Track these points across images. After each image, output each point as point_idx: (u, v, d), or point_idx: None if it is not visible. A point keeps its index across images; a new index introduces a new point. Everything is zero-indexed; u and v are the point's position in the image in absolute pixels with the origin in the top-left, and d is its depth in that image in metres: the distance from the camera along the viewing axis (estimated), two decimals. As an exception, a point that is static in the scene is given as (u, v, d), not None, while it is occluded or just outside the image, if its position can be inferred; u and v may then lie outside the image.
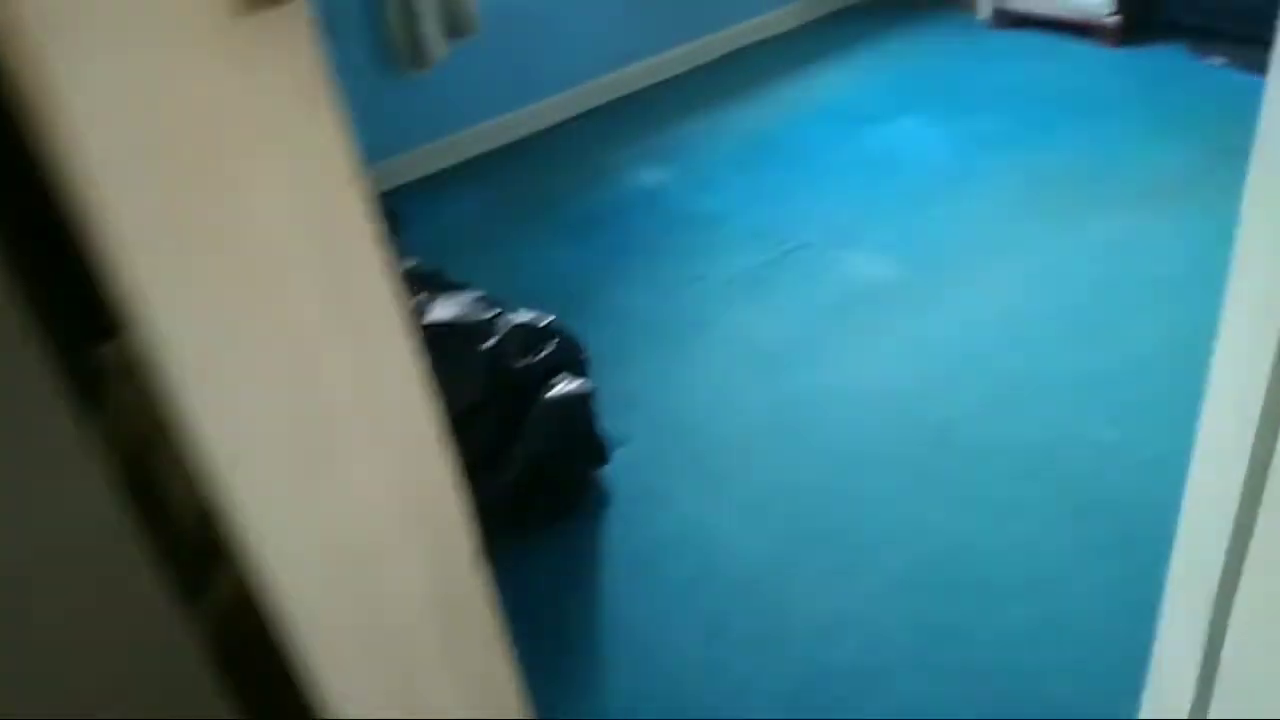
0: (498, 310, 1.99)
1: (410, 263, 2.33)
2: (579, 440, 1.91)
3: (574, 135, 3.61)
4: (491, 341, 1.87)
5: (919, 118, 3.28)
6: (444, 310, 1.94)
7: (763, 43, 4.15)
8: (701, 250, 2.76)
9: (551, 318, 2.00)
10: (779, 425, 2.09)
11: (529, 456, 1.86)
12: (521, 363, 1.88)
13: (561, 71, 3.69)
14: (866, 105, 3.45)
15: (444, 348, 1.86)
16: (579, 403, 1.86)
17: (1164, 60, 3.39)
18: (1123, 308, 2.26)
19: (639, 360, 2.35)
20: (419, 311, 1.89)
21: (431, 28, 3.13)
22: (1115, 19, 3.48)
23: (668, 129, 3.53)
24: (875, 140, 3.20)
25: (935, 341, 2.26)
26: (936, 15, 4.12)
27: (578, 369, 1.95)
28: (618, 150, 3.42)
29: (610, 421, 2.05)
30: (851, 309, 2.41)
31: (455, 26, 3.22)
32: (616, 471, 2.00)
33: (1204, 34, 3.34)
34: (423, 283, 2.17)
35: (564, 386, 1.85)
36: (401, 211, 3.19)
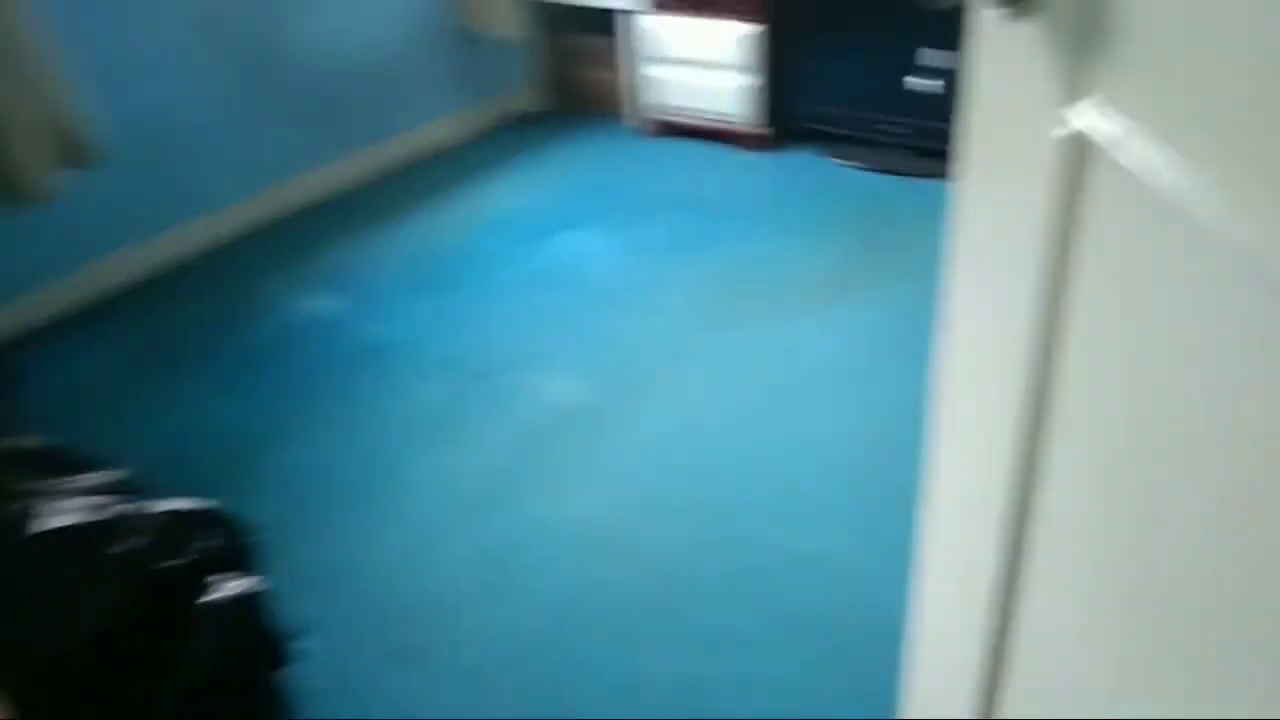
0: (137, 498, 1.66)
1: (24, 440, 1.92)
2: (251, 645, 1.62)
3: (225, 263, 3.28)
4: (130, 544, 1.54)
5: (592, 229, 3.31)
6: (63, 510, 1.58)
7: (424, 157, 4.04)
8: (382, 387, 2.55)
9: (205, 503, 1.70)
10: (488, 582, 1.92)
11: (193, 674, 1.54)
12: (170, 564, 1.56)
13: (207, 193, 3.35)
14: (538, 218, 3.44)
15: (63, 561, 1.52)
16: (246, 604, 1.57)
17: (805, 164, 3.69)
18: (805, 408, 2.34)
19: (324, 526, 2.09)
20: (23, 517, 1.53)
21: (32, 157, 2.70)
22: (758, 127, 3.75)
23: (332, 251, 3.29)
24: (552, 254, 3.17)
25: (635, 464, 2.20)
26: (593, 126, 4.24)
27: (242, 560, 1.66)
28: (277, 278, 3.14)
29: (294, 608, 1.77)
30: (549, 437, 2.31)
31: (72, 156, 2.80)
32: (307, 669, 1.72)
33: (836, 140, 3.68)
34: (41, 466, 1.79)
35: (226, 588, 1.56)
36: (16, 368, 2.69)
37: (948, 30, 3.14)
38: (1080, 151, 0.59)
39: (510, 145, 4.10)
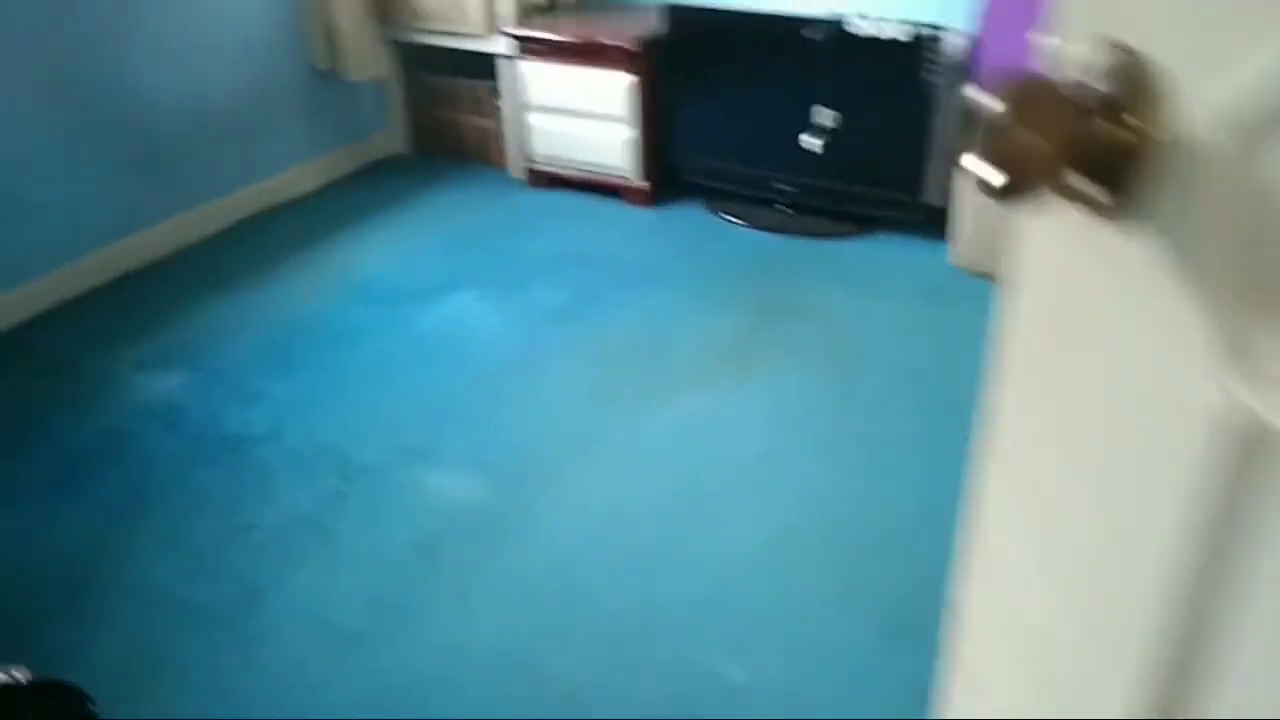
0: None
1: None
2: None
3: (48, 337, 2.88)
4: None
5: (472, 292, 3.07)
6: None
7: (281, 207, 3.72)
8: (242, 488, 2.25)
9: (23, 676, 1.39)
10: (374, 735, 1.67)
11: None
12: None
13: (29, 256, 2.93)
14: (413, 279, 3.18)
15: None
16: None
17: (692, 220, 3.56)
18: (717, 503, 2.18)
19: (175, 667, 1.79)
20: None
21: None
22: (641, 181, 3.61)
23: (176, 320, 2.95)
24: (429, 323, 2.92)
25: (539, 577, 1.99)
26: (469, 173, 4.00)
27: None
28: (113, 353, 2.77)
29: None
30: (438, 547, 2.06)
31: None
32: None
33: (724, 196, 3.58)
34: None
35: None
36: None
37: (838, 88, 3.08)
38: (1245, 432, 0.44)
39: (377, 194, 3.82)
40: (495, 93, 3.86)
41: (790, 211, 3.45)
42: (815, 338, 2.78)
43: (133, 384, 2.63)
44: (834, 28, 3.05)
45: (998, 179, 0.49)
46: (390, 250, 3.37)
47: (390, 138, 4.19)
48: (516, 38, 3.59)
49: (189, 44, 3.27)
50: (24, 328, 2.91)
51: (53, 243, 3.01)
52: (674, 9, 3.36)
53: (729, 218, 3.52)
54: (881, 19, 2.99)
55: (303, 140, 3.82)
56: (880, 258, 3.22)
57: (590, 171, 3.69)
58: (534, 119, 3.70)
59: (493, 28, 3.65)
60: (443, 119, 4.12)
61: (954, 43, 2.96)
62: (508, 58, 3.67)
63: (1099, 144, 0.49)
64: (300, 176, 3.82)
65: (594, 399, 2.54)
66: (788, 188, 3.41)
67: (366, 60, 3.75)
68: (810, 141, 3.24)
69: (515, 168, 3.92)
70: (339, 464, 2.31)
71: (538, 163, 3.79)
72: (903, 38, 2.95)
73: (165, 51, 3.20)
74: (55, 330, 2.90)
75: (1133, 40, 0.49)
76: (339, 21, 3.63)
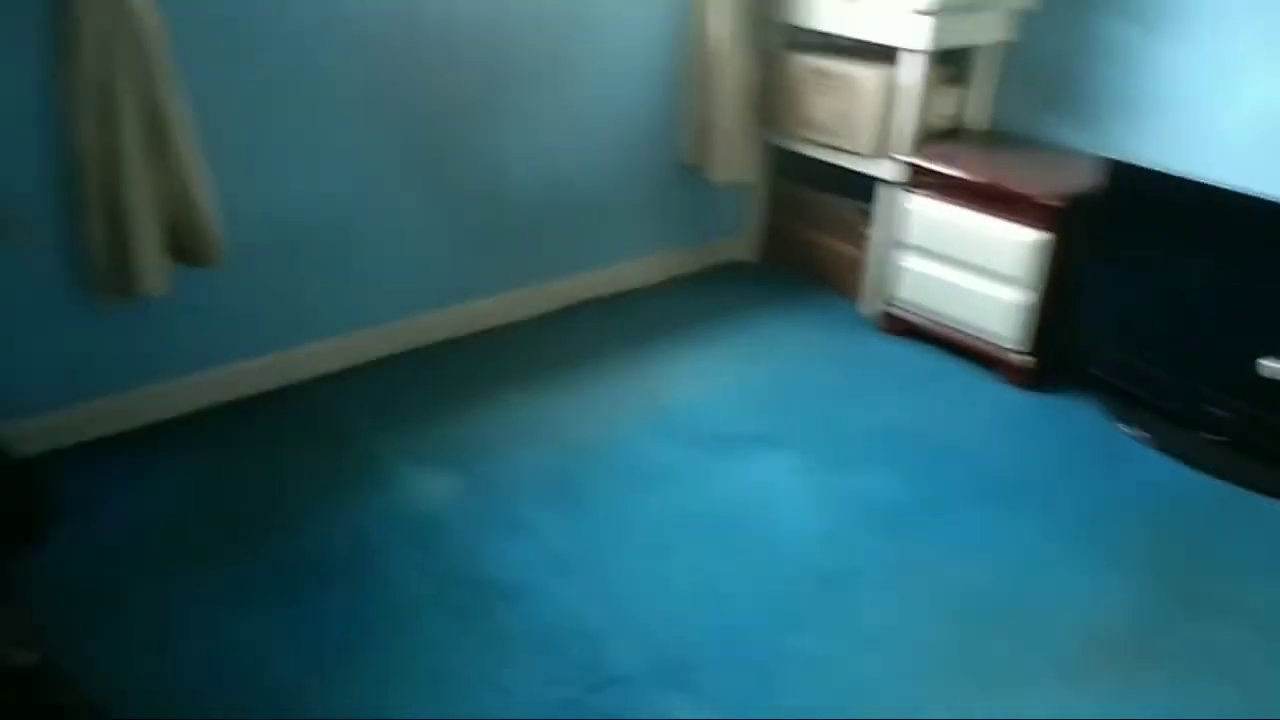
0: None
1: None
2: None
3: (339, 396, 2.73)
4: None
5: (788, 456, 2.56)
6: None
7: (612, 299, 3.43)
8: (468, 657, 1.87)
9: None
10: None
11: None
12: None
13: (335, 312, 2.83)
14: (722, 418, 2.73)
15: None
16: None
17: (1079, 419, 2.83)
18: None
19: None
20: None
21: (148, 249, 2.23)
22: (1025, 356, 2.94)
23: (465, 409, 2.69)
24: (729, 485, 2.43)
25: None
26: (817, 302, 3.51)
27: None
28: (391, 434, 2.55)
29: None
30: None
31: (186, 252, 2.33)
32: None
33: (1125, 399, 2.82)
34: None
35: None
36: (65, 493, 2.20)
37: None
38: None
39: (711, 303, 3.43)
40: (867, 218, 3.36)
41: (1225, 445, 2.61)
42: (1244, 650, 1.98)
43: (400, 477, 2.38)
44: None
45: None
46: (706, 375, 2.96)
47: (740, 243, 3.82)
48: (909, 166, 3.08)
49: (556, 121, 3.08)
50: (320, 382, 2.79)
51: (379, 300, 2.90)
52: (1118, 165, 2.68)
53: (1133, 431, 2.74)
54: None
55: (650, 233, 3.54)
56: (1352, 542, 2.31)
57: (961, 331, 3.07)
58: (907, 259, 3.15)
59: (882, 151, 3.16)
60: (799, 234, 3.68)
61: None
62: (891, 184, 3.17)
63: None
64: (639, 270, 3.53)
65: (919, 667, 1.92)
66: (1225, 414, 2.59)
67: (735, 163, 3.40)
68: (1274, 368, 2.42)
69: (869, 305, 3.39)
70: (586, 663, 1.87)
71: (898, 307, 3.23)
72: None
73: (532, 127, 3.03)
74: (348, 390, 2.76)
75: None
76: (716, 119, 3.31)
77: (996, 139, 3.33)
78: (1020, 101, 3.32)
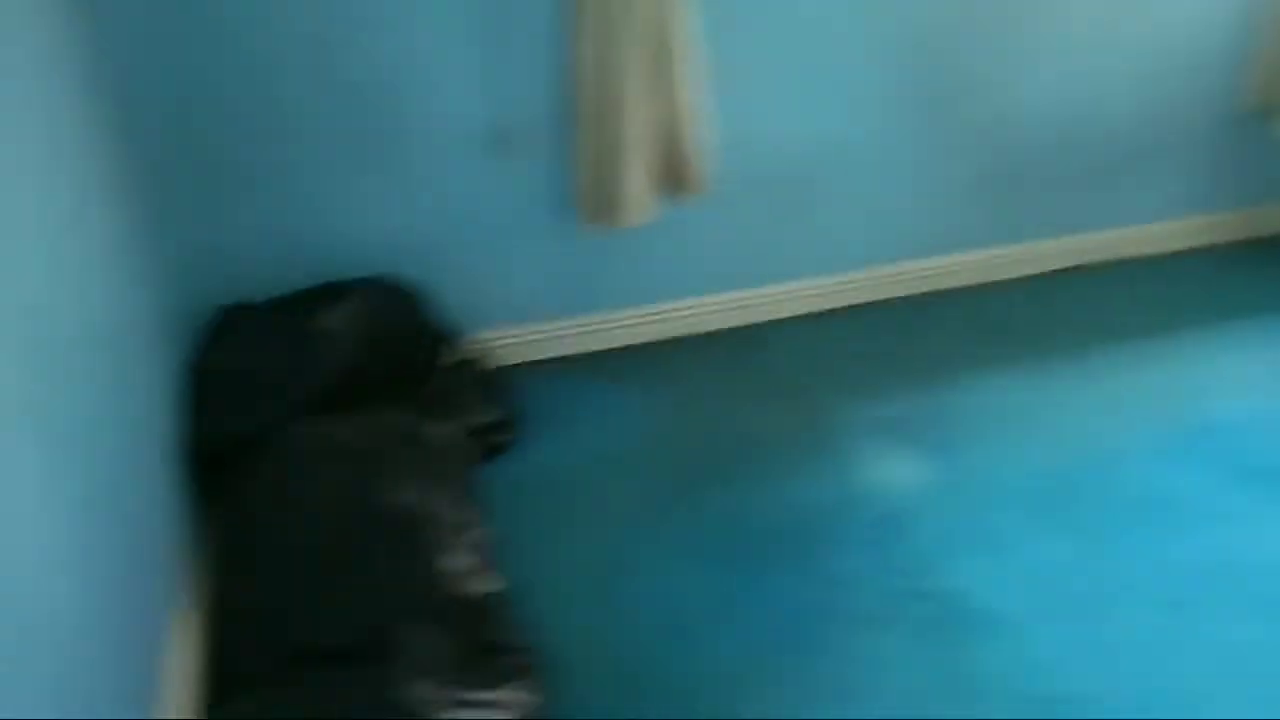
0: None
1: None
2: None
3: (787, 348, 2.51)
4: None
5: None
6: None
7: (1127, 264, 2.84)
8: (931, 691, 1.59)
9: None
10: None
11: None
12: None
13: (802, 254, 2.59)
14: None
15: None
16: None
17: None
18: None
19: None
20: None
21: (637, 177, 2.14)
22: None
23: (936, 383, 2.34)
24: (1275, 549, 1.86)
25: None
26: None
27: None
28: (848, 397, 2.29)
29: None
30: None
31: (673, 180, 2.21)
32: None
33: None
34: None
35: None
36: (527, 405, 2.23)
37: None
38: None
39: (1266, 285, 2.71)
40: None
41: None
42: None
43: (860, 453, 2.11)
44: None
45: None
46: (1260, 385, 2.31)
47: (1305, 210, 2.99)
48: None
49: (1083, 53, 2.53)
50: (777, 328, 2.58)
51: (849, 245, 2.62)
52: None
53: None
54: None
55: (1184, 191, 2.86)
56: None
57: None
58: None
59: None
60: None
61: None
62: None
63: None
64: (1164, 234, 2.88)
65: None
66: None
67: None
68: None
69: None
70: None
71: None
72: None
73: (1053, 60, 2.51)
74: (804, 341, 2.53)
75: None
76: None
77: None
78: None
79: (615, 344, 2.50)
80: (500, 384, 2.25)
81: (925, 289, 2.71)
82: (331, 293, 2.05)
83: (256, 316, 2.04)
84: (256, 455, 1.76)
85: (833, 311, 2.64)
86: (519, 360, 2.41)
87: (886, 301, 2.68)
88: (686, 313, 2.54)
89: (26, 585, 1.05)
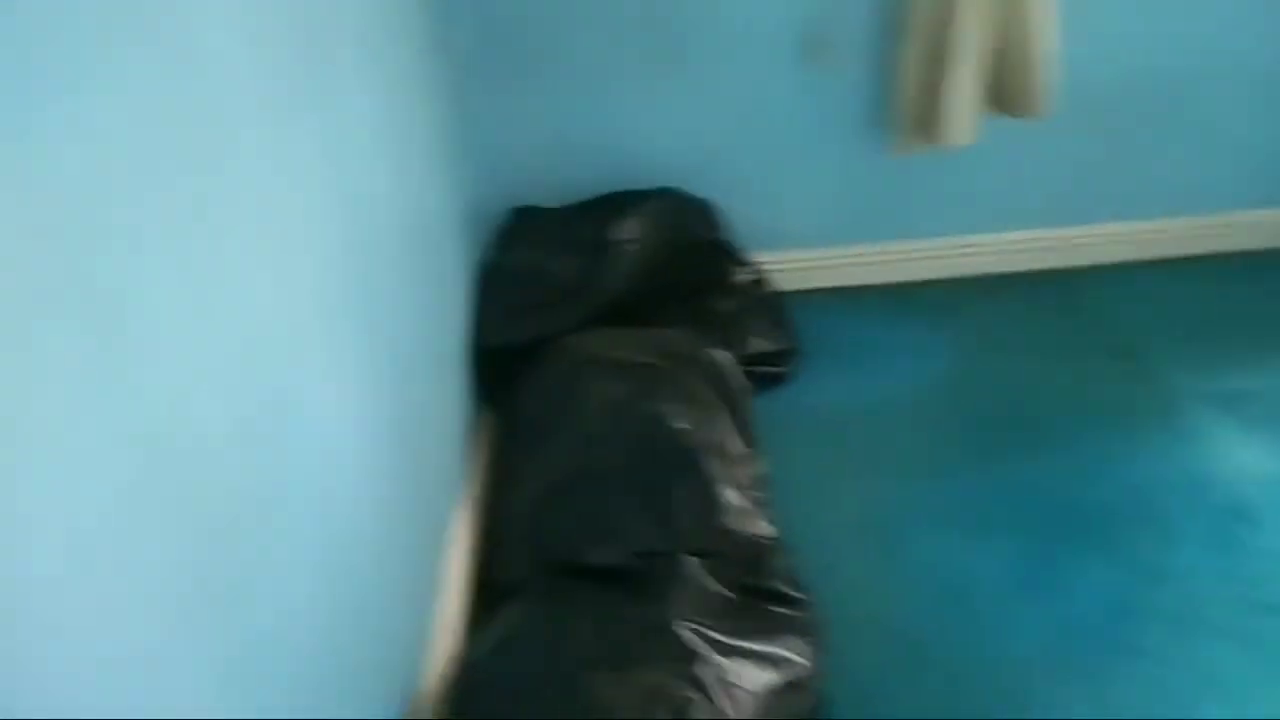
0: None
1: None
2: None
3: (1115, 299, 2.19)
4: None
5: None
6: None
7: None
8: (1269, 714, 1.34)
9: None
10: None
11: None
12: None
13: (1144, 191, 2.24)
14: None
15: None
16: None
17: None
18: None
19: None
20: None
21: (965, 92, 1.89)
22: None
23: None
24: None
25: None
26: None
27: None
28: (1190, 363, 1.97)
29: None
30: None
31: (1007, 98, 1.94)
32: None
33: None
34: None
35: None
36: (809, 335, 2.09)
37: None
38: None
39: None
40: None
41: None
42: None
43: (1201, 429, 1.81)
44: None
45: None
46: None
47: None
48: None
49: None
50: (1105, 273, 2.26)
51: (1201, 182, 2.24)
52: None
53: None
54: None
55: None
56: None
57: None
58: None
59: None
60: None
61: None
62: None
63: None
64: None
65: None
66: None
67: None
68: None
69: None
70: None
71: None
72: None
73: None
74: (1136, 291, 2.19)
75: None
76: None
77: None
78: None
79: (912, 277, 2.29)
80: (784, 310, 2.12)
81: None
82: (623, 202, 1.98)
83: (548, 222, 2.01)
84: (539, 359, 1.74)
85: (1170, 260, 2.28)
86: (805, 286, 2.25)
87: (1240, 253, 2.28)
88: (995, 249, 2.28)
89: (347, 474, 1.06)
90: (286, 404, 0.92)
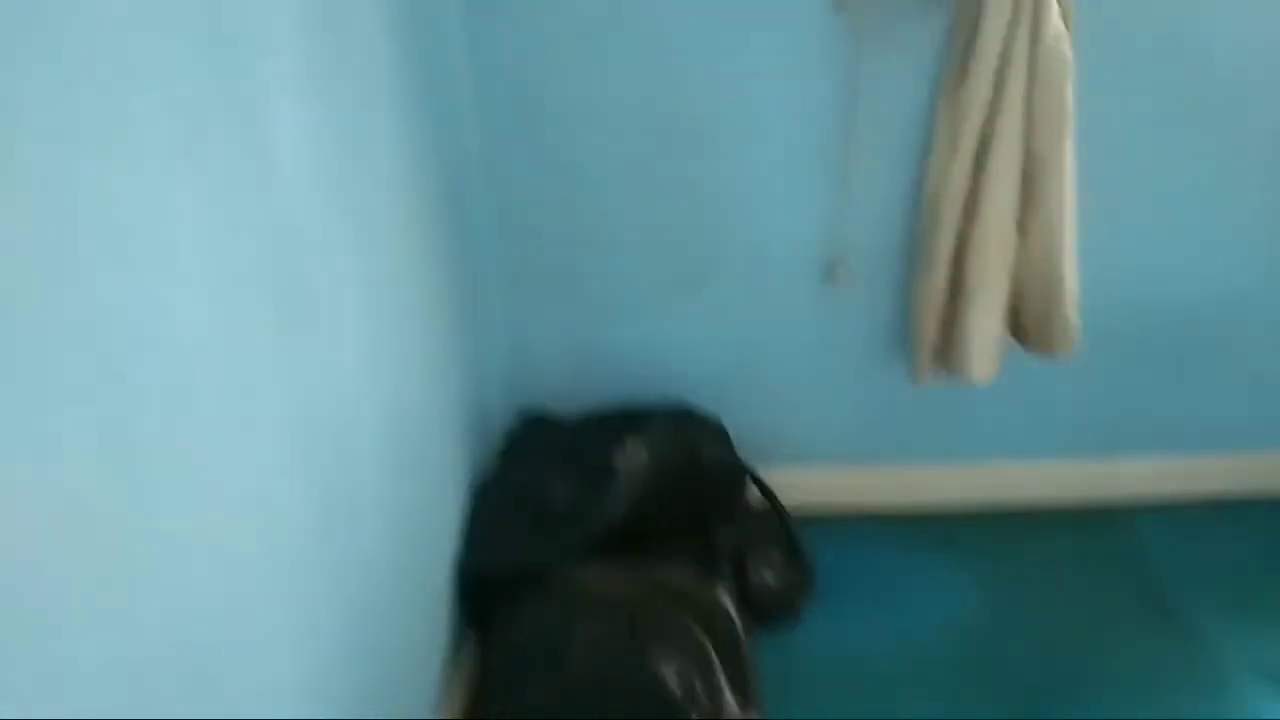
0: None
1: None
2: None
3: (1152, 541, 2.04)
4: None
5: None
6: None
7: None
8: None
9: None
10: None
11: None
12: None
13: (1179, 422, 2.13)
14: None
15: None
16: None
17: None
18: None
19: None
20: None
21: (988, 327, 1.83)
22: None
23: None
24: None
25: None
26: None
27: None
28: (1259, 630, 1.79)
29: None
30: None
31: (1031, 334, 1.87)
32: None
33: None
34: None
35: None
36: (820, 565, 1.97)
37: None
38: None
39: None
40: None
41: None
42: None
43: (1243, 703, 1.63)
44: None
45: None
46: None
47: None
48: None
49: None
50: (1140, 512, 2.12)
51: (1242, 415, 2.12)
52: None
53: None
54: None
55: None
56: None
57: None
58: None
59: None
60: None
61: None
62: None
63: None
64: None
65: None
66: None
67: None
68: None
69: None
70: None
71: None
72: None
73: None
74: (1177, 534, 2.05)
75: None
76: None
77: None
78: None
79: (936, 502, 2.17)
80: (796, 539, 2.00)
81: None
82: (634, 419, 1.91)
83: (556, 435, 1.95)
84: (525, 590, 1.64)
85: (1216, 500, 2.14)
86: (821, 508, 2.15)
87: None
88: (1024, 477, 2.16)
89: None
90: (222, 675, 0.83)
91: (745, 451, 2.03)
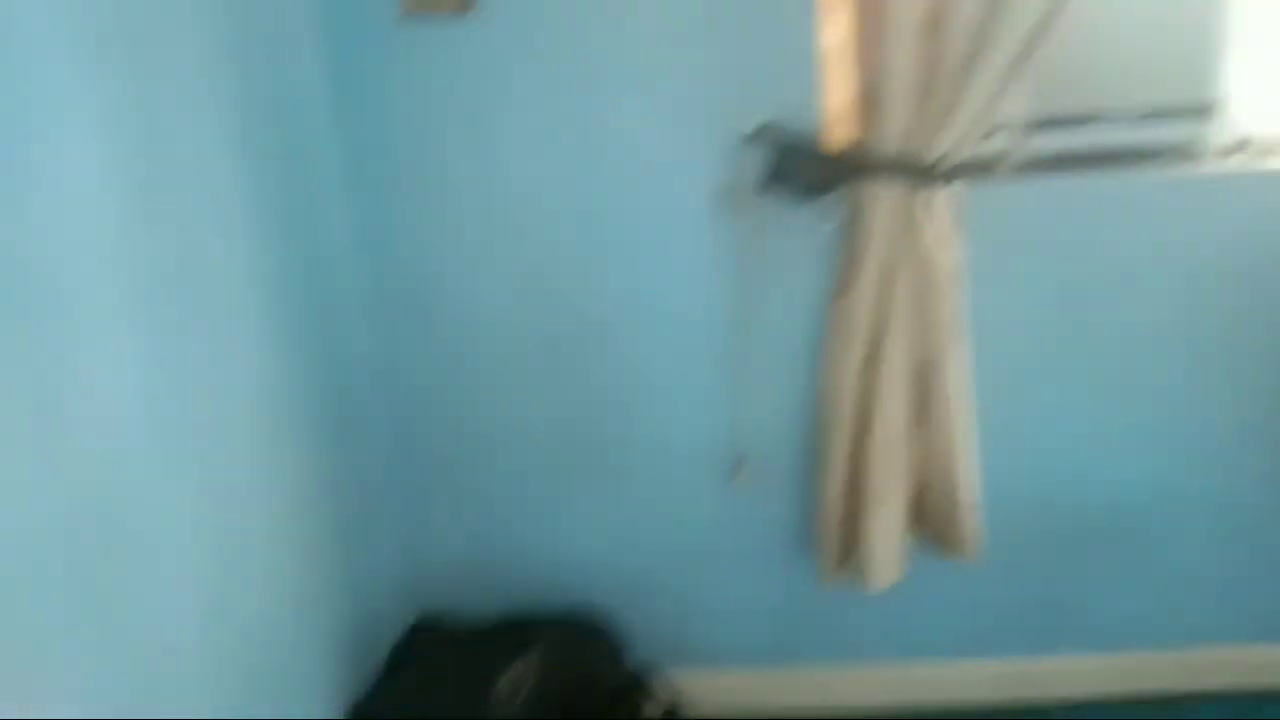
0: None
1: None
2: None
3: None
4: None
5: None
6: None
7: None
8: None
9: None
10: None
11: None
12: None
13: (1104, 620, 2.07)
14: None
15: None
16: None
17: None
18: None
19: None
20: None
21: (888, 531, 1.78)
22: None
23: None
24: None
25: None
26: None
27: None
28: None
29: None
30: None
31: (934, 536, 1.83)
32: None
33: None
34: None
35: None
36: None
37: None
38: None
39: None
40: None
41: None
42: None
43: None
44: None
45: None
46: None
47: None
48: None
49: None
50: (1057, 707, 2.03)
51: (1164, 614, 2.06)
52: None
53: None
54: None
55: None
56: None
57: None
58: None
59: None
60: None
61: None
62: None
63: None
64: None
65: None
66: None
67: None
68: None
69: None
70: None
71: None
72: None
73: None
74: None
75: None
76: None
77: None
78: None
79: (847, 706, 2.06)
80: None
81: (1254, 683, 2.07)
82: (524, 635, 1.81)
83: (441, 650, 1.84)
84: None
85: (1138, 698, 2.06)
86: (728, 716, 2.03)
87: (1225, 693, 2.06)
88: (943, 677, 2.07)
89: None
90: None
91: (652, 656, 1.93)
